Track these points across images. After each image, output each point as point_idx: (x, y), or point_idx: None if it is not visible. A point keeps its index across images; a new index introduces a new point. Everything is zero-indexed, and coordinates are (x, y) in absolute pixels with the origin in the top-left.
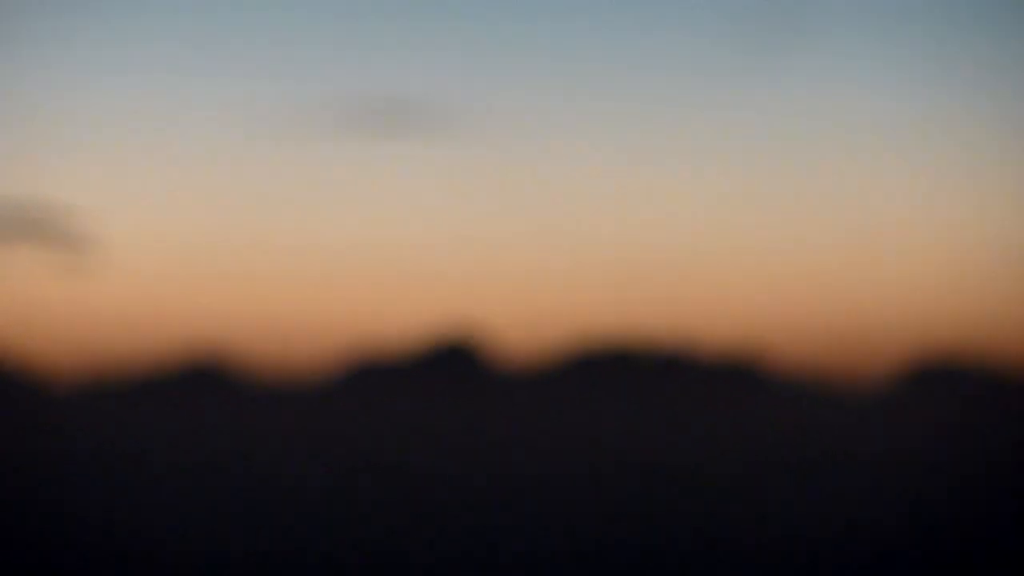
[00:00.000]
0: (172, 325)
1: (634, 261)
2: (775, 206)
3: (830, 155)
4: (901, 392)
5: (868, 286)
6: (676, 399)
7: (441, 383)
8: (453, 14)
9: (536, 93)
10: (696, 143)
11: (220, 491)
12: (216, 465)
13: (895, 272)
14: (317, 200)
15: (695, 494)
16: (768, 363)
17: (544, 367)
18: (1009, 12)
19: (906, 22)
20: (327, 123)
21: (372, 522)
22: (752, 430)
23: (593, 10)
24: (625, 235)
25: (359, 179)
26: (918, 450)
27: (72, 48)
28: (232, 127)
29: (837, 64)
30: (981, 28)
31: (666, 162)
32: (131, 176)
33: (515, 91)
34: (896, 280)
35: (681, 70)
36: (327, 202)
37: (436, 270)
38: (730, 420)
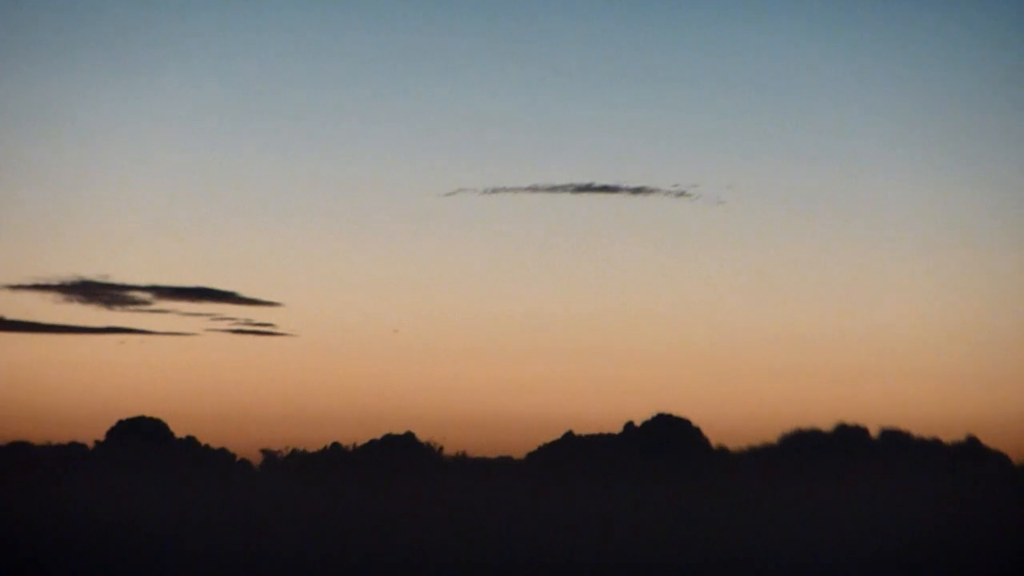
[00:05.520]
0: (367, 399)
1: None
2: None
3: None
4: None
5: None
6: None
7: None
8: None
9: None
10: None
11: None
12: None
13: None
14: (536, 274)
15: None
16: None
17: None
18: None
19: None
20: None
21: None
22: None
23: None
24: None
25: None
26: None
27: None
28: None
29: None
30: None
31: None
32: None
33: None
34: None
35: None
36: (547, 275)
37: (652, 348)
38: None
